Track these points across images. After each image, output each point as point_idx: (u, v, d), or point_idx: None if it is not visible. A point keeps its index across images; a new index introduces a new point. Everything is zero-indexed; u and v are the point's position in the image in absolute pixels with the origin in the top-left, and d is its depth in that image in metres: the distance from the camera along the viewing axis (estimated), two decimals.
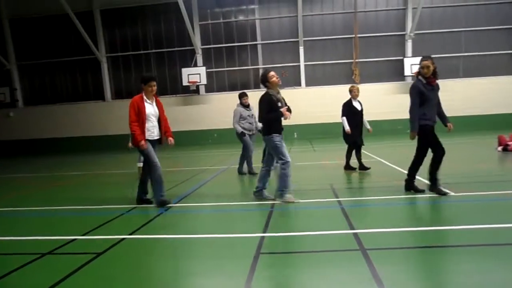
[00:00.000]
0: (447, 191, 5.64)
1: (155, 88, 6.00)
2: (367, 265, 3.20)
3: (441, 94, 5.89)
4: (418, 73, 5.78)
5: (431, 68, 5.63)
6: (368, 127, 8.64)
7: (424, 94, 5.60)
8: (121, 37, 22.15)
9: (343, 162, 8.64)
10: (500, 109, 19.90)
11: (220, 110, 20.93)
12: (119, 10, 21.74)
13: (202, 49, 21.55)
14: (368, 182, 7.19)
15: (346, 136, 8.40)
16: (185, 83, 20.64)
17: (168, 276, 3.31)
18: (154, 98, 6.11)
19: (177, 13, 19.79)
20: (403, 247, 3.68)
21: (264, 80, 5.86)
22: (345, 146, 8.59)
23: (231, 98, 22.65)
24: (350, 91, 8.34)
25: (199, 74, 20.53)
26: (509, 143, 10.25)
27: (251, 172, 8.65)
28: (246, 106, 8.62)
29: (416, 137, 5.69)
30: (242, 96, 8.66)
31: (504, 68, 20.29)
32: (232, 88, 21.44)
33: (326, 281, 3.01)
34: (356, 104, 8.33)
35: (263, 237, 4.13)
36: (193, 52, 21.47)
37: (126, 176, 9.83)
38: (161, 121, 6.16)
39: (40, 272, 3.49)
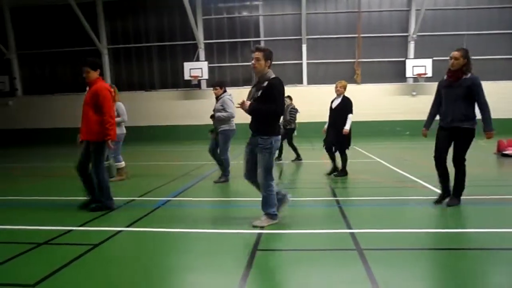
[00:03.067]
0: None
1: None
2: (363, 265, 3.19)
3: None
4: (471, 68, 5.10)
5: None
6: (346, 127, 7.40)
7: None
8: (123, 29, 22.06)
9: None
10: (499, 113, 19.77)
11: None
12: (121, 2, 21.65)
13: (205, 43, 21.48)
14: (366, 183, 7.19)
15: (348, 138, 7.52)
16: (186, 77, 20.60)
17: (163, 271, 3.29)
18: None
19: (180, 7, 19.71)
20: (401, 248, 3.67)
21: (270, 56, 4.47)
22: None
23: (233, 94, 22.64)
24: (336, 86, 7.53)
25: (201, 68, 20.49)
26: (507, 150, 10.14)
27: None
28: (216, 99, 7.33)
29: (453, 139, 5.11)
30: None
31: (504, 73, 20.22)
32: (234, 83, 21.40)
33: (321, 280, 3.00)
34: (335, 100, 7.59)
35: (260, 233, 4.12)
36: (195, 47, 21.41)
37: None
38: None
39: (36, 262, 3.48)
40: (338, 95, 7.57)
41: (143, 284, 3.00)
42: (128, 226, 4.50)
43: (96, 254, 3.63)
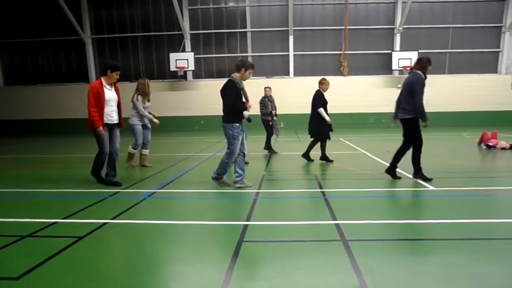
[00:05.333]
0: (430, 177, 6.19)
1: (118, 77, 6.31)
2: (348, 256, 3.24)
3: (427, 89, 6.28)
4: (422, 67, 6.25)
5: None
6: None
7: (424, 88, 6.08)
8: (107, 19, 21.65)
9: (329, 153, 8.70)
10: (483, 107, 20.18)
11: (208, 96, 20.74)
12: None
13: (191, 34, 21.27)
14: (352, 174, 7.26)
15: (322, 129, 8.40)
16: (172, 68, 20.40)
17: (149, 262, 3.29)
18: (113, 84, 6.39)
19: None
20: (384, 239, 3.73)
21: (240, 68, 6.24)
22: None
23: (219, 85, 22.50)
24: (322, 83, 8.33)
25: (187, 59, 20.31)
26: (491, 142, 10.26)
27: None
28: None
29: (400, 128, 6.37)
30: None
31: (489, 67, 20.58)
32: (220, 75, 21.26)
33: (305, 270, 3.04)
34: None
35: (246, 225, 4.15)
36: (181, 37, 21.18)
37: None
38: (119, 106, 6.57)
39: (19, 254, 3.44)
40: (324, 91, 8.41)
41: (129, 275, 2.99)
42: (113, 219, 4.48)
43: (81, 247, 3.60)
